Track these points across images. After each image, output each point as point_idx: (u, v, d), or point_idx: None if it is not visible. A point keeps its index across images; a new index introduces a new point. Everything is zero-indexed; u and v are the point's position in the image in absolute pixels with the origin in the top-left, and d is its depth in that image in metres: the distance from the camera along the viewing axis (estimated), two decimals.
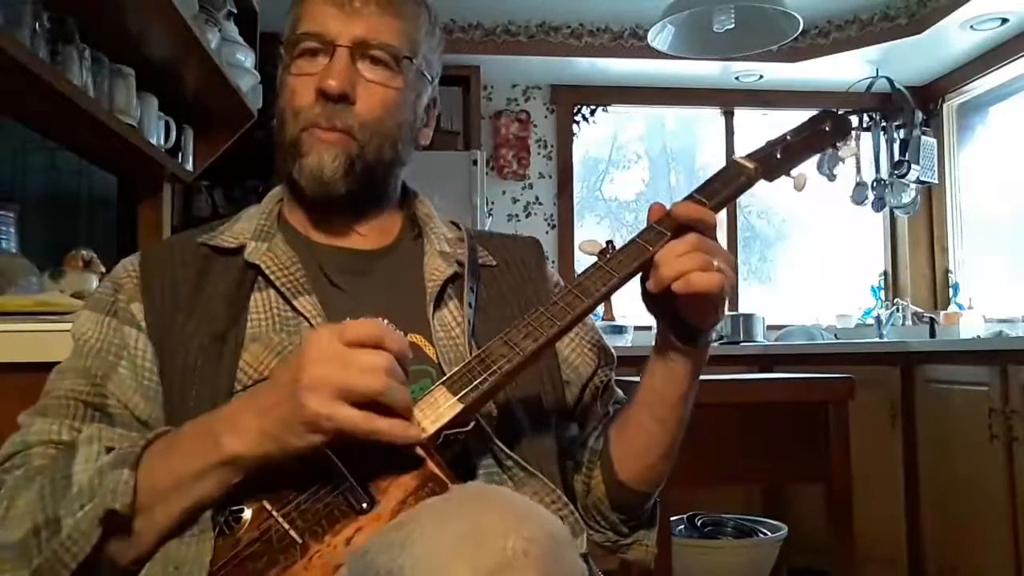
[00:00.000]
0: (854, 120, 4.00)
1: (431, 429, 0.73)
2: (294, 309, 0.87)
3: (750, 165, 0.92)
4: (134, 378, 0.85)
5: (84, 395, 0.84)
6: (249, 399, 0.74)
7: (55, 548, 0.72)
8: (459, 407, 0.74)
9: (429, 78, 0.98)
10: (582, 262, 4.20)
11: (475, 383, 0.75)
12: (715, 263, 0.81)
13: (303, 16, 0.92)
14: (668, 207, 0.86)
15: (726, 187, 0.90)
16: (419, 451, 0.72)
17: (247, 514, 0.73)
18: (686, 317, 0.85)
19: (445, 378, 0.77)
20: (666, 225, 0.84)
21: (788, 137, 0.97)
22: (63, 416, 0.83)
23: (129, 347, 0.86)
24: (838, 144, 0.99)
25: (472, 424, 0.77)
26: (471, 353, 0.87)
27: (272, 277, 0.88)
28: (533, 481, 0.82)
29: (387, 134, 0.93)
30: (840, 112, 1.01)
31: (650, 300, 0.87)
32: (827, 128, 0.98)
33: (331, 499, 0.71)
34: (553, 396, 0.94)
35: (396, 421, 0.70)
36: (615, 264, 0.83)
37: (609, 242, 0.85)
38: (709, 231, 0.83)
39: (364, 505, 0.70)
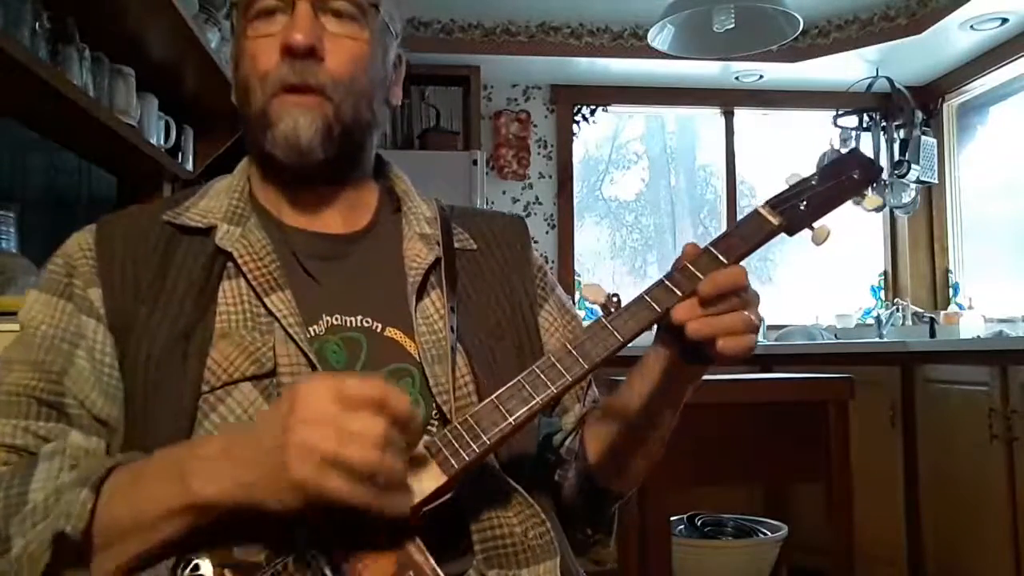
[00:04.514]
0: (854, 120, 4.00)
1: (412, 502, 0.68)
2: (266, 308, 0.80)
3: (774, 221, 0.85)
4: (93, 371, 0.78)
5: (38, 391, 0.76)
6: (227, 444, 0.68)
7: (3, 569, 0.68)
8: (443, 479, 0.70)
9: (394, 33, 0.92)
10: (581, 263, 4.21)
11: (461, 453, 0.71)
12: (748, 321, 0.77)
13: None
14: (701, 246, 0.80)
15: (746, 243, 0.84)
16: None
17: (206, 571, 0.66)
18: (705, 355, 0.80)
19: (427, 441, 0.71)
20: (677, 280, 0.80)
21: (814, 182, 0.89)
22: (16, 415, 0.76)
23: (87, 337, 0.79)
24: (864, 194, 0.94)
25: (453, 492, 0.72)
26: (452, 354, 0.82)
27: (245, 269, 0.82)
28: (512, 494, 0.80)
29: (361, 91, 0.86)
30: (868, 156, 0.96)
31: (665, 339, 0.83)
32: (856, 175, 0.91)
33: (298, 572, 0.66)
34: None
35: (384, 496, 0.64)
36: (619, 324, 0.78)
37: (615, 295, 0.80)
38: (743, 291, 0.78)
39: None
